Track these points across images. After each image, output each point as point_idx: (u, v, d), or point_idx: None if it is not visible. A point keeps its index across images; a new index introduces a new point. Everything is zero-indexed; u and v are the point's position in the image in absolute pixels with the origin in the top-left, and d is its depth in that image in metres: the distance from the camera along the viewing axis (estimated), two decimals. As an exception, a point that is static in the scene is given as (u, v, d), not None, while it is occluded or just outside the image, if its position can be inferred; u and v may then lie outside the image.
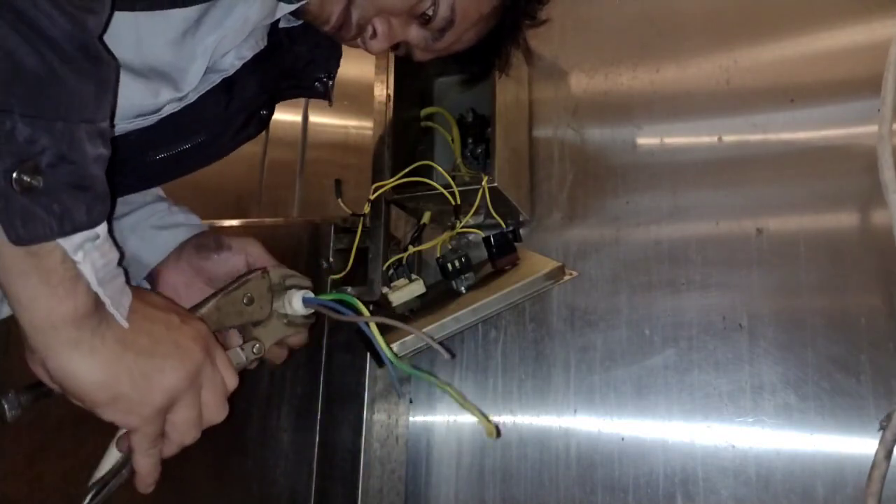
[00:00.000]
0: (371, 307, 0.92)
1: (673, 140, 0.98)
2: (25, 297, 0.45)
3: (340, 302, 0.65)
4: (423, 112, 1.06)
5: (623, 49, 1.03)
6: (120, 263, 0.50)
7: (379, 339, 0.63)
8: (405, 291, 0.85)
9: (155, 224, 0.72)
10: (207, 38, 0.59)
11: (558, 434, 0.94)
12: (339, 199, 0.95)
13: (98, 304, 0.48)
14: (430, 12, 0.69)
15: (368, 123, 1.00)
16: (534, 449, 0.94)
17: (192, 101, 0.66)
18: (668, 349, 0.90)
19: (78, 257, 0.45)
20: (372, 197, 0.92)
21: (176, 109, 0.64)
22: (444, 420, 1.00)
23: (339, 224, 0.97)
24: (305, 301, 0.66)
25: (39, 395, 0.54)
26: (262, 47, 0.68)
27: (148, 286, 0.71)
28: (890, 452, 0.68)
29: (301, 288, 0.68)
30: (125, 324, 0.50)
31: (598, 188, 1.00)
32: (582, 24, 1.07)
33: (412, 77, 1.03)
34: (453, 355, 0.73)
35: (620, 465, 0.89)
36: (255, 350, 0.64)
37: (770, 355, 0.86)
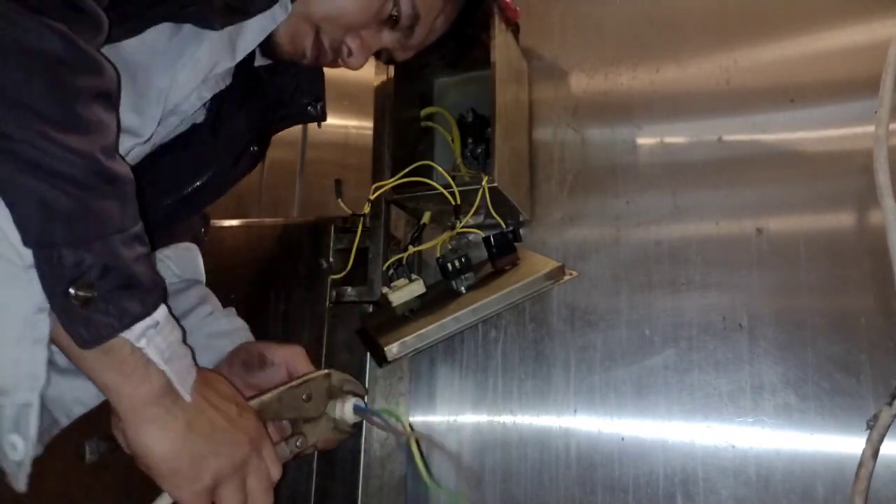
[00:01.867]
0: (371, 308, 0.93)
1: (673, 140, 0.98)
2: (110, 387, 0.53)
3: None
4: (423, 112, 1.06)
5: (623, 49, 1.03)
6: (185, 340, 0.57)
7: (417, 459, 0.70)
8: (405, 291, 0.85)
9: (203, 335, 0.75)
10: (159, 82, 0.61)
11: (558, 434, 0.94)
12: (339, 199, 0.95)
13: (170, 382, 0.55)
14: (394, 13, 0.70)
15: (368, 123, 1.00)
16: (534, 449, 0.94)
17: (159, 142, 0.67)
18: (668, 349, 0.90)
19: (142, 344, 0.52)
20: (372, 197, 0.92)
21: (146, 152, 0.66)
22: (444, 420, 1.00)
23: (339, 224, 0.97)
24: (356, 409, 0.71)
25: (115, 447, 0.60)
26: (225, 86, 0.69)
27: None
28: (877, 451, 0.69)
29: (356, 395, 0.73)
30: (188, 398, 0.56)
31: (598, 188, 1.00)
32: (582, 24, 1.07)
33: (412, 77, 1.03)
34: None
35: (620, 465, 0.89)
36: (298, 444, 0.70)
37: (770, 355, 0.86)
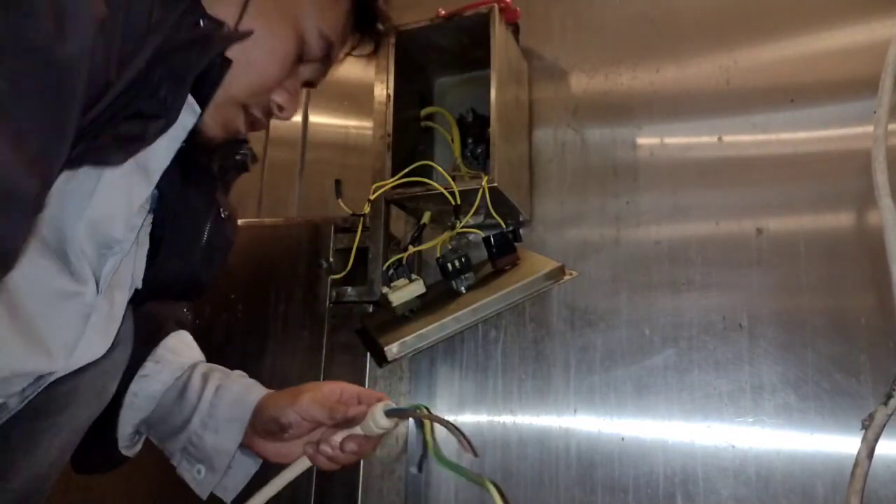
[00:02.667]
0: (371, 308, 0.93)
1: (673, 140, 0.98)
2: None
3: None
4: (423, 112, 1.06)
5: (623, 49, 1.03)
6: None
7: (429, 439, 0.71)
8: (405, 291, 0.85)
9: (223, 417, 0.75)
10: (76, 224, 0.57)
11: (558, 434, 0.94)
12: (339, 199, 0.95)
13: None
14: (305, 54, 0.68)
15: (368, 123, 1.00)
16: (534, 449, 0.94)
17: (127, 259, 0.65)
18: (668, 349, 0.90)
19: None
20: (372, 197, 0.92)
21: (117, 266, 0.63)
22: (444, 420, 1.00)
23: (339, 224, 0.97)
24: (388, 412, 0.70)
25: None
26: (151, 212, 0.67)
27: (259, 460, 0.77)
28: (872, 451, 0.69)
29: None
30: None
31: (598, 188, 1.00)
32: (582, 24, 1.07)
33: (412, 77, 1.03)
34: (476, 455, 0.77)
35: (620, 465, 0.89)
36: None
37: (770, 355, 0.86)
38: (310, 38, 0.67)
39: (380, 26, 0.76)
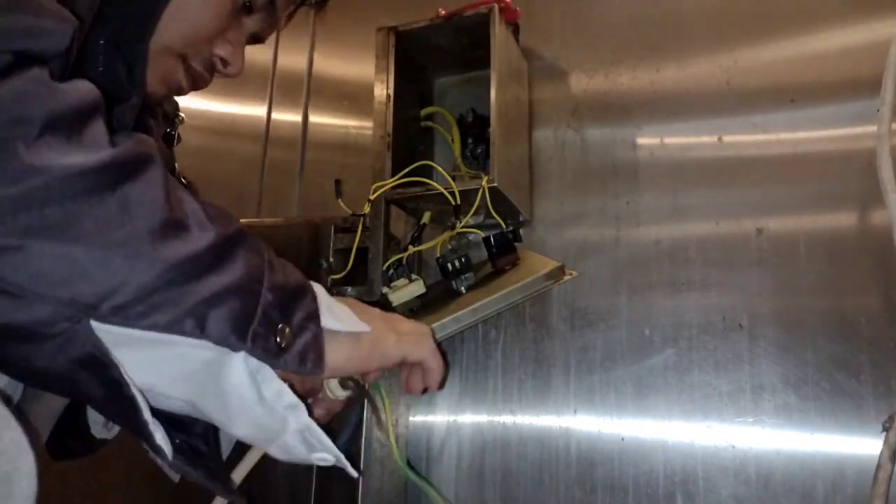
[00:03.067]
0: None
1: (673, 140, 0.98)
2: (345, 359, 0.59)
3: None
4: (423, 112, 1.06)
5: (623, 49, 1.03)
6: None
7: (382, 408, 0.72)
8: (405, 291, 0.85)
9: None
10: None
11: (558, 434, 0.94)
12: (339, 199, 0.95)
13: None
14: (247, 1, 0.65)
15: (368, 123, 1.00)
16: (534, 449, 0.94)
17: None
18: (668, 349, 0.90)
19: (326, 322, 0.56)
20: (372, 197, 0.92)
21: None
22: (444, 420, 1.00)
23: (339, 224, 0.97)
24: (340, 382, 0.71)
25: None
26: None
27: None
28: (894, 453, 0.68)
29: None
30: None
31: (598, 188, 1.00)
32: (582, 24, 1.07)
33: (412, 77, 1.03)
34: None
35: (620, 465, 0.89)
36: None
37: (770, 355, 0.86)
38: None
39: None
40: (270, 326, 0.52)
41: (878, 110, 0.78)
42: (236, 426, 0.54)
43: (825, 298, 0.85)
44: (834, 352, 0.83)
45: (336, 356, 0.57)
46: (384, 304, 0.87)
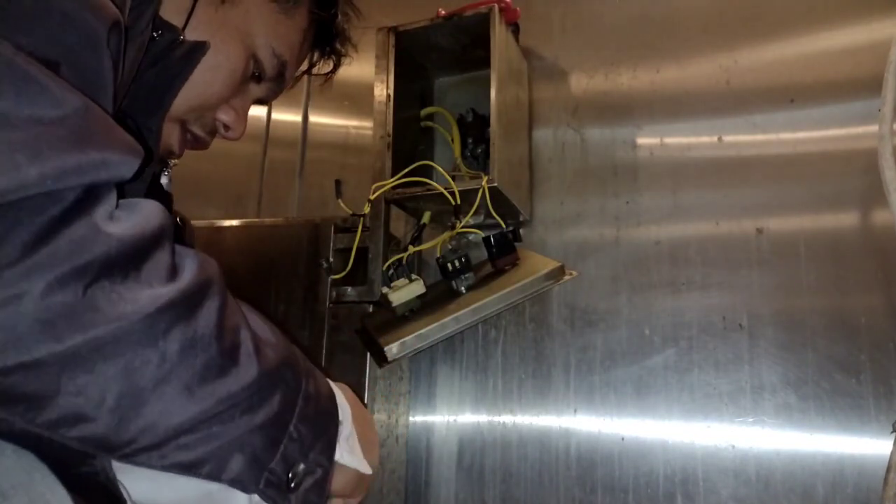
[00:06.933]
0: (371, 308, 0.93)
1: (673, 140, 0.98)
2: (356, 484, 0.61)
3: None
4: (423, 112, 1.06)
5: (623, 49, 1.03)
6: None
7: None
8: (405, 291, 0.85)
9: None
10: None
11: (558, 434, 0.94)
12: (339, 199, 0.95)
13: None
14: (256, 72, 0.64)
15: (368, 123, 1.00)
16: (534, 449, 0.94)
17: None
18: (668, 349, 0.90)
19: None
20: (372, 197, 0.92)
21: None
22: (443, 420, 1.00)
23: (339, 224, 0.97)
24: None
25: None
26: None
27: None
28: None
29: None
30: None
31: (598, 188, 1.00)
32: (582, 24, 1.07)
33: (412, 77, 1.03)
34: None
35: (620, 465, 0.89)
36: None
37: (770, 355, 0.86)
38: (262, 55, 0.63)
39: (339, 45, 0.73)
40: (287, 465, 0.51)
41: (880, 110, 0.78)
42: None
43: (825, 298, 0.85)
44: (834, 352, 0.83)
45: (336, 487, 0.57)
46: (384, 304, 0.87)
